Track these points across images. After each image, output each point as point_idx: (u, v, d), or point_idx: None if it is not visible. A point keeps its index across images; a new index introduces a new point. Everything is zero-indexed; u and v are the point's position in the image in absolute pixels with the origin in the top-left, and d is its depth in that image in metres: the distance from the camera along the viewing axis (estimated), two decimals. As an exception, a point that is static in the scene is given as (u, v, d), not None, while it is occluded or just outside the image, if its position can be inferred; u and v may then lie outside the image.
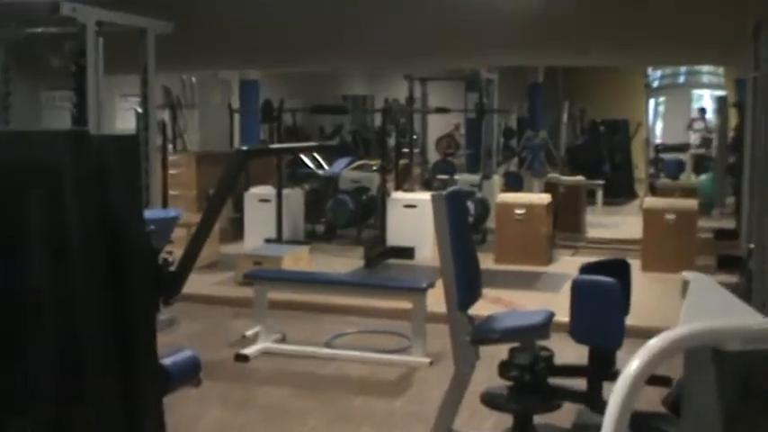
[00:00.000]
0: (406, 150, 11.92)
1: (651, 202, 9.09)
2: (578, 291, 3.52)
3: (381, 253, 8.80)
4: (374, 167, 11.34)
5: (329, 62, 9.74)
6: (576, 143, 16.47)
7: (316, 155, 11.70)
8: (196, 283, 5.79)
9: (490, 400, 3.83)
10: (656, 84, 15.95)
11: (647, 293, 6.86)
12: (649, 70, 15.20)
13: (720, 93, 15.40)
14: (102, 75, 5.84)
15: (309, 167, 11.28)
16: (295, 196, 9.75)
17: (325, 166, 11.51)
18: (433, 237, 7.67)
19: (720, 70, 16.63)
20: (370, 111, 19.01)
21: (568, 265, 8.22)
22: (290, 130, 13.45)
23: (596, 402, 3.63)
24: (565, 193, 10.69)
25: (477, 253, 3.94)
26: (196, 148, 11.80)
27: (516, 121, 17.16)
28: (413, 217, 8.90)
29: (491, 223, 9.47)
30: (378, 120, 13.80)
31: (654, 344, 1.22)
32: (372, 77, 20.21)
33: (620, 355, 3.62)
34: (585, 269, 3.77)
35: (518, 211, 8.61)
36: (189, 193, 10.03)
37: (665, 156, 14.58)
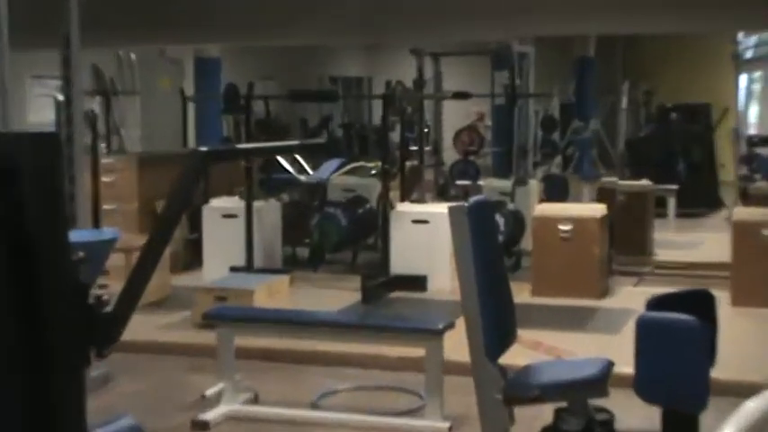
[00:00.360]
0: (414, 148, 11.92)
1: (743, 213, 9.06)
2: (645, 332, 3.51)
3: (384, 283, 8.78)
4: (373, 171, 11.35)
5: (311, 35, 9.75)
6: (639, 136, 16.49)
7: (296, 156, 11.71)
8: (140, 327, 5.74)
9: (530, 479, 3.80)
10: (749, 54, 15.87)
11: (740, 336, 6.83)
12: (740, 36, 15.15)
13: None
14: (8, 50, 5.83)
15: (288, 172, 11.29)
16: (270, 210, 9.75)
17: (309, 171, 11.51)
18: (450, 262, 7.64)
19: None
20: (367, 97, 19.03)
21: (631, 298, 8.19)
22: (263, 124, 13.47)
23: (672, 481, 3.60)
24: (625, 203, 10.69)
25: (509, 283, 3.93)
26: (138, 149, 11.80)
27: (559, 108, 17.18)
28: (424, 236, 8.89)
29: (527, 243, 9.46)
30: (377, 109, 13.80)
31: (752, 406, 1.20)
32: (370, 53, 20.27)
33: (703, 419, 3.60)
34: (654, 304, 3.76)
35: (563, 227, 8.60)
36: (129, 207, 10.03)
37: (762, 151, 14.54)
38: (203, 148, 3.01)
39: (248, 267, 8.96)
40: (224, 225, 9.39)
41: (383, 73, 17.25)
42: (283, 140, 13.25)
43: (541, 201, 10.72)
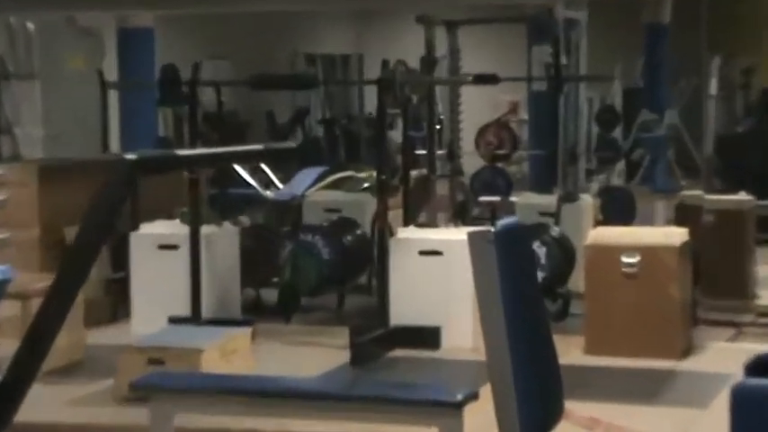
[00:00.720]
0: (422, 152, 11.93)
1: None
2: (744, 406, 3.51)
3: (381, 338, 8.78)
4: (366, 184, 11.34)
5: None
6: (734, 132, 16.51)
7: (260, 164, 11.71)
8: (42, 402, 5.72)
9: None
10: None
11: None
12: None
13: None
14: None
15: (250, 186, 11.29)
16: (224, 239, 9.75)
17: (279, 184, 11.52)
18: (472, 308, 7.64)
19: None
20: (356, 82, 18.99)
21: (724, 357, 8.18)
22: (214, 120, 13.50)
23: None
24: (715, 226, 10.68)
25: (552, 337, 3.94)
26: (39, 154, 11.81)
27: (622, 96, 17.23)
28: (436, 273, 8.89)
29: (578, 282, 9.45)
30: (371, 98, 13.83)
31: None
32: (360, 23, 20.33)
33: None
34: (757, 366, 3.76)
35: (627, 260, 8.59)
36: (26, 235, 10.03)
37: None
38: (131, 155, 3.04)
39: (194, 318, 8.95)
40: (160, 260, 9.38)
41: (378, 49, 17.34)
42: (242, 142, 13.27)
43: (598, 223, 10.73)
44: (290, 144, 13.14)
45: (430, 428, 5.64)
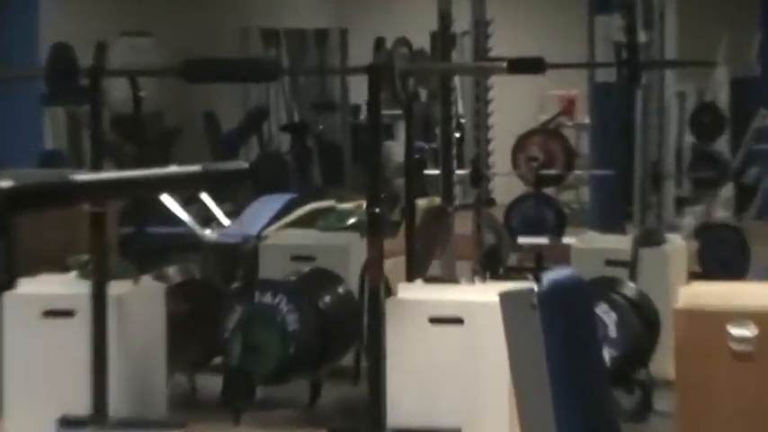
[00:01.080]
0: (433, 173, 11.92)
1: None
2: None
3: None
4: (351, 219, 11.35)
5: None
6: None
7: (199, 192, 11.73)
8: None
9: None
10: None
11: None
12: None
13: None
14: None
15: (182, 224, 11.30)
16: (143, 301, 9.75)
17: (224, 220, 11.53)
18: (507, 402, 7.62)
19: None
20: (338, 71, 19.11)
21: None
22: (128, 125, 13.53)
23: None
24: None
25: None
26: None
27: (729, 90, 17.27)
28: (454, 349, 8.90)
29: (664, 364, 9.45)
30: (359, 92, 13.85)
31: None
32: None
33: None
34: None
35: (738, 332, 8.58)
36: None
37: None
38: (4, 181, 3.00)
39: (97, 418, 8.95)
40: (47, 331, 9.39)
41: (369, 23, 17.40)
42: (170, 160, 13.27)
43: (694, 276, 10.73)
44: (241, 163, 13.18)
45: None
